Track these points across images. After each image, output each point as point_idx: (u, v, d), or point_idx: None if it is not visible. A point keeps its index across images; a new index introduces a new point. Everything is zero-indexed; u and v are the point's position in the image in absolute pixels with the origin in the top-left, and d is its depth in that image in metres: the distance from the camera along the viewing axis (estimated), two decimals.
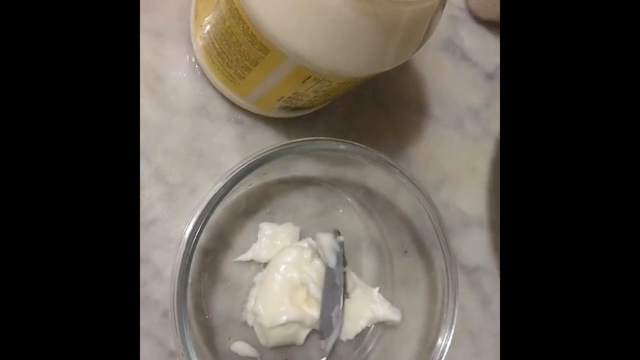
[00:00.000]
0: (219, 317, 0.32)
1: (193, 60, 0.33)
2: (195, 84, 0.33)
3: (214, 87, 0.33)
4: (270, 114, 0.34)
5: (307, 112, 0.34)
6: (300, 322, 0.31)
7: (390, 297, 0.35)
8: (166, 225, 0.32)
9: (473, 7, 0.41)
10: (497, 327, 0.38)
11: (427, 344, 0.32)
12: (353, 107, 0.37)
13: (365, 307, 0.33)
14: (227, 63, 0.29)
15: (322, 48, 0.24)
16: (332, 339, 0.32)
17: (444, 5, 0.25)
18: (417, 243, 0.35)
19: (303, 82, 0.27)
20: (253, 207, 0.34)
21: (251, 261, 0.33)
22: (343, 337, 0.33)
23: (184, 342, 0.26)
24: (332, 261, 0.33)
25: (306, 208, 0.35)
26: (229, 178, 0.27)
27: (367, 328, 0.34)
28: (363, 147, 0.31)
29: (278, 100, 0.30)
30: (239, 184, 0.28)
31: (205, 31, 0.30)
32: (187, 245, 0.27)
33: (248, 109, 0.33)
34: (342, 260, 0.33)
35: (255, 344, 0.32)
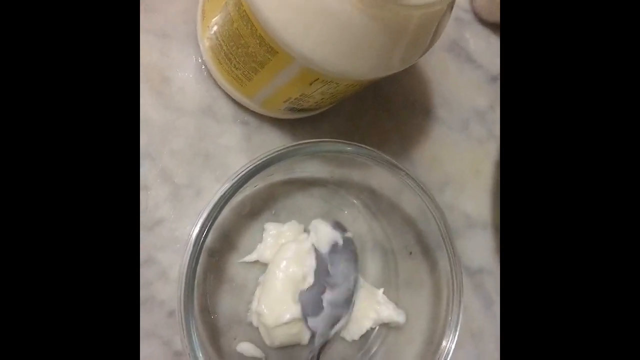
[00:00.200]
0: (225, 317, 0.32)
1: (199, 61, 0.33)
2: (202, 84, 0.33)
3: (221, 88, 0.33)
4: (277, 115, 0.34)
5: (313, 113, 0.34)
6: (303, 320, 0.32)
7: (394, 298, 0.35)
8: (172, 226, 0.32)
9: (478, 10, 0.41)
10: (499, 329, 0.38)
11: (432, 346, 0.32)
12: (358, 108, 0.37)
13: (370, 308, 0.33)
14: (234, 64, 0.29)
15: (330, 51, 0.24)
16: (339, 326, 0.32)
17: (451, 9, 0.26)
18: (421, 245, 0.35)
19: (310, 84, 0.27)
20: (258, 208, 0.34)
21: (256, 262, 0.33)
22: (348, 338, 0.34)
23: (191, 342, 0.26)
24: (325, 248, 0.33)
25: (311, 209, 0.35)
26: (235, 180, 0.28)
27: (372, 329, 0.34)
28: (368, 149, 0.31)
29: (285, 101, 0.30)
30: (245, 185, 0.28)
31: (212, 32, 0.30)
32: (194, 246, 0.27)
33: (254, 110, 0.33)
34: (355, 258, 0.33)
35: (260, 344, 0.32)
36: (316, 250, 0.32)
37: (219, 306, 0.32)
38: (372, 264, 0.36)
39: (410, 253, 0.36)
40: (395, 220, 0.36)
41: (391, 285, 0.36)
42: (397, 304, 0.35)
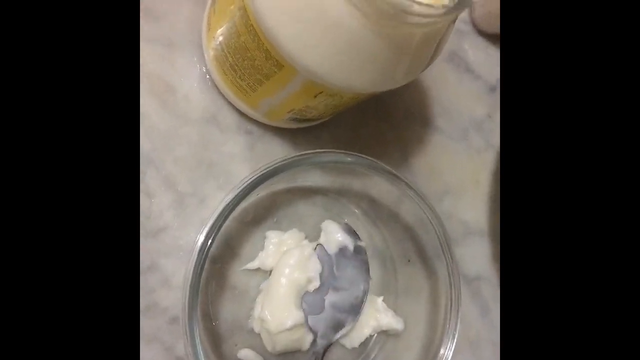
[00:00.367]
0: (226, 324, 0.33)
1: (204, 70, 0.34)
2: (206, 94, 0.34)
3: (224, 97, 0.34)
4: (279, 125, 0.34)
5: (315, 123, 0.35)
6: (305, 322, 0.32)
7: (393, 305, 0.36)
8: (175, 233, 0.32)
9: (477, 21, 0.41)
10: (496, 336, 0.39)
11: (430, 353, 0.32)
12: (359, 118, 0.37)
13: (370, 315, 0.34)
14: (239, 75, 0.29)
15: (336, 66, 0.24)
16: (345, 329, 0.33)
17: (454, 24, 0.26)
18: (420, 253, 0.35)
19: (315, 96, 0.27)
20: (260, 216, 0.34)
21: (258, 269, 0.33)
22: (348, 345, 0.34)
23: (194, 350, 0.27)
24: (333, 249, 0.33)
25: (312, 217, 0.35)
26: (240, 189, 0.28)
27: (371, 336, 0.35)
28: (369, 159, 0.31)
29: (288, 112, 0.31)
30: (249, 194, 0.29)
31: (218, 43, 0.30)
32: (198, 255, 0.27)
33: (257, 119, 0.34)
34: (366, 267, 0.34)
35: (261, 351, 0.33)
36: (323, 250, 0.33)
37: (221, 313, 0.33)
38: (371, 271, 0.36)
39: (409, 261, 0.36)
40: (395, 229, 0.36)
41: (390, 292, 0.36)
42: (396, 311, 0.35)
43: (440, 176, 0.39)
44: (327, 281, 0.33)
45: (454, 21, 0.26)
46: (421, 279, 0.35)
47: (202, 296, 0.32)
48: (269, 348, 0.32)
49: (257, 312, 0.32)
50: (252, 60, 0.27)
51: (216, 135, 0.34)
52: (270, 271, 0.33)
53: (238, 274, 0.33)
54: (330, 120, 0.36)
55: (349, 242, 0.34)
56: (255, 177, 0.29)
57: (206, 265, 0.32)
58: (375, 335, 0.35)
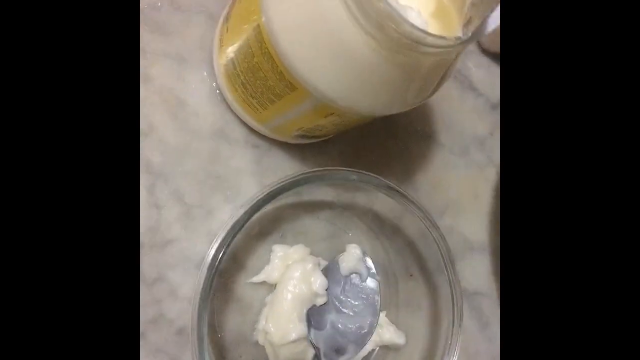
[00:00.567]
0: (231, 335, 0.33)
1: (214, 85, 0.34)
2: (215, 108, 0.34)
3: (233, 112, 0.34)
4: (286, 140, 0.35)
5: (322, 139, 0.35)
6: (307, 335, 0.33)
7: (394, 319, 0.36)
8: (182, 245, 0.33)
9: (482, 40, 0.42)
10: (495, 350, 0.39)
11: None
12: (365, 134, 0.38)
13: None
14: (251, 93, 0.30)
15: (349, 90, 0.25)
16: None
17: (464, 50, 0.27)
18: (422, 267, 0.36)
19: (325, 117, 0.28)
20: (266, 230, 0.35)
21: (263, 282, 0.34)
22: None
23: None
24: (346, 271, 0.35)
25: (317, 231, 0.36)
26: (250, 206, 0.29)
27: (372, 350, 0.35)
28: (373, 177, 0.32)
29: (297, 130, 0.31)
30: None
31: (229, 60, 0.31)
32: (208, 270, 0.28)
33: (265, 134, 0.34)
34: (375, 310, 0.35)
35: None
36: (336, 267, 0.34)
37: (226, 324, 0.33)
38: (374, 285, 0.37)
39: (411, 275, 0.37)
40: (397, 243, 0.37)
41: (392, 307, 0.37)
42: (397, 325, 0.36)
43: (442, 191, 0.40)
44: (332, 300, 0.33)
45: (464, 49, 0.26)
46: (422, 293, 0.36)
47: (208, 308, 0.32)
48: None
49: (261, 324, 0.33)
50: (265, 80, 0.28)
51: (224, 149, 0.34)
52: (276, 284, 0.34)
53: (244, 286, 0.34)
54: (337, 136, 0.36)
55: (364, 272, 0.35)
56: (264, 194, 0.29)
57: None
58: (377, 349, 0.36)
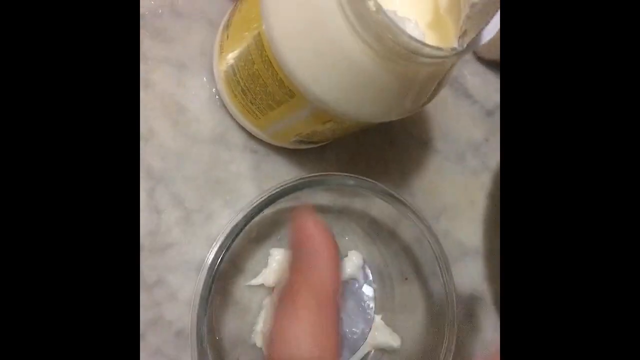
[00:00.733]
0: (229, 338, 0.34)
1: (214, 91, 0.35)
2: (215, 114, 0.35)
3: (233, 118, 0.35)
4: (285, 145, 0.35)
5: (320, 145, 0.36)
6: None
7: (390, 322, 0.37)
8: (182, 249, 0.33)
9: (477, 48, 0.43)
10: (489, 354, 0.40)
11: None
12: (362, 140, 0.39)
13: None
14: (250, 100, 0.31)
15: (347, 98, 0.25)
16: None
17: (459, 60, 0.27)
18: (417, 271, 0.37)
19: (323, 123, 0.28)
20: (264, 234, 0.35)
21: (261, 285, 0.34)
22: None
23: None
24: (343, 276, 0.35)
25: None
26: (248, 211, 0.29)
27: (368, 353, 0.36)
28: (370, 182, 0.33)
29: (295, 135, 0.32)
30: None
31: (229, 66, 0.31)
32: (207, 273, 0.28)
33: (264, 140, 0.35)
34: (369, 322, 0.35)
35: None
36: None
37: (224, 327, 0.34)
38: (369, 289, 0.37)
39: (406, 278, 0.37)
40: (393, 247, 0.37)
41: (387, 310, 0.37)
42: (393, 328, 0.36)
43: (438, 196, 0.41)
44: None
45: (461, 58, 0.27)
46: (418, 297, 0.36)
47: (207, 310, 0.33)
48: None
49: (259, 326, 0.33)
50: (264, 87, 0.28)
51: (224, 154, 0.35)
52: (273, 287, 0.34)
53: (242, 289, 0.34)
54: (333, 141, 0.37)
55: (361, 279, 0.35)
56: (263, 199, 0.30)
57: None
58: (372, 351, 0.36)
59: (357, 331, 0.35)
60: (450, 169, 0.41)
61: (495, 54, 0.43)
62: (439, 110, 0.41)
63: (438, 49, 0.22)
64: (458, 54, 0.22)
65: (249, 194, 0.35)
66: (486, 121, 0.43)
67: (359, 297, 0.35)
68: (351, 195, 0.36)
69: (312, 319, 0.19)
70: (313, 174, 0.31)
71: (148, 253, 0.32)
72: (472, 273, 0.41)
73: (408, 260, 0.37)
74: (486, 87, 0.43)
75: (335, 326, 0.20)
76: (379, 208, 0.36)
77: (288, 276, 0.21)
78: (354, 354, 0.35)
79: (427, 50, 0.22)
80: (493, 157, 0.43)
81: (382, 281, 0.38)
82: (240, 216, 0.29)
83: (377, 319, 0.36)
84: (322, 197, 0.36)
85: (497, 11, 0.22)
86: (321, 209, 0.37)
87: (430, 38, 0.25)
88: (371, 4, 0.21)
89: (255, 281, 0.34)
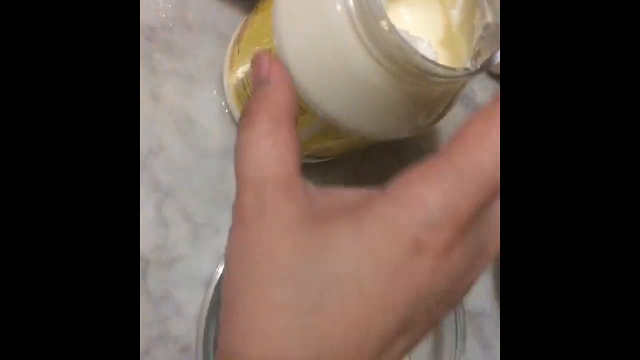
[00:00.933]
0: None
1: (223, 104, 0.35)
2: (224, 127, 0.35)
3: None
4: None
5: (328, 159, 0.36)
6: None
7: None
8: (189, 263, 0.33)
9: (491, 68, 0.43)
10: None
11: None
12: (370, 154, 0.38)
13: None
14: None
15: (357, 115, 0.25)
16: None
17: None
18: None
19: (334, 140, 0.28)
20: None
21: None
22: None
23: None
24: None
25: None
26: None
27: None
28: None
29: (305, 151, 0.32)
30: None
31: (239, 80, 0.31)
32: (215, 289, 0.28)
33: None
34: None
35: None
36: None
37: None
38: None
39: None
40: None
41: None
42: None
43: None
44: None
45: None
46: None
47: (214, 326, 0.33)
48: None
49: None
50: None
51: (233, 168, 0.35)
52: None
53: None
54: (342, 156, 0.37)
55: None
56: None
57: (215, 295, 0.33)
58: None
59: None
60: None
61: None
62: (449, 124, 0.41)
63: (451, 69, 0.22)
64: (471, 74, 0.22)
65: None
66: None
67: None
68: None
69: (271, 140, 0.20)
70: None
71: (155, 267, 0.32)
72: (480, 289, 0.41)
73: None
74: None
75: (295, 141, 0.20)
76: None
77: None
78: None
79: (439, 70, 0.22)
80: None
81: None
82: None
83: None
84: None
85: None
86: None
87: (442, 56, 0.25)
88: (384, 23, 0.21)
89: None
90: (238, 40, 0.32)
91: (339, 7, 0.23)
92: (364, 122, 0.25)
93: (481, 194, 0.17)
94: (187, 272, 0.33)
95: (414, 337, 0.18)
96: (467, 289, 0.20)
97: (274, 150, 0.19)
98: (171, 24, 0.35)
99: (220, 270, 0.28)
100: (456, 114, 0.42)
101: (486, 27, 0.21)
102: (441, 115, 0.28)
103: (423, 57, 0.21)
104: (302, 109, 0.26)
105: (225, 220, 0.34)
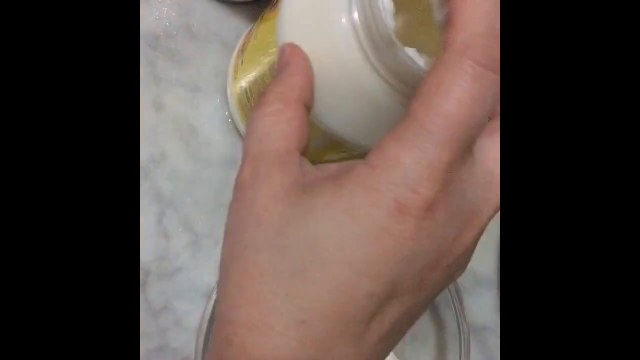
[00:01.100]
0: None
1: (226, 114, 0.34)
2: (227, 137, 0.34)
3: None
4: None
5: None
6: None
7: (401, 353, 0.36)
8: (190, 274, 0.33)
9: None
10: None
11: None
12: None
13: None
14: None
15: (360, 129, 0.25)
16: None
17: None
18: None
19: (337, 153, 0.28)
20: None
21: None
22: None
23: None
24: None
25: None
26: None
27: None
28: None
29: None
30: None
31: (243, 90, 0.31)
32: (215, 300, 0.28)
33: None
34: None
35: None
36: None
37: None
38: None
39: None
40: None
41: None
42: (404, 358, 0.36)
43: None
44: None
45: None
46: (430, 328, 0.36)
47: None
48: None
49: None
50: None
51: (234, 178, 0.34)
52: None
53: None
54: None
55: None
56: None
57: (214, 307, 0.33)
58: None
59: None
60: None
61: None
62: None
63: None
64: None
65: None
66: None
67: None
68: None
69: (276, 118, 0.20)
70: None
71: (155, 278, 0.32)
72: (485, 303, 0.40)
73: None
74: None
75: (300, 122, 0.21)
76: None
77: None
78: None
79: None
80: None
81: None
82: None
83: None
84: None
85: None
86: None
87: None
88: (389, 38, 0.21)
89: None
90: (242, 51, 0.31)
91: (343, 20, 0.23)
92: (369, 138, 0.25)
93: (453, 141, 0.17)
94: (187, 283, 0.33)
95: (406, 304, 0.18)
96: (463, 253, 0.19)
97: (276, 126, 0.20)
98: (175, 32, 0.34)
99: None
100: None
101: None
102: None
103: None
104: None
105: None
